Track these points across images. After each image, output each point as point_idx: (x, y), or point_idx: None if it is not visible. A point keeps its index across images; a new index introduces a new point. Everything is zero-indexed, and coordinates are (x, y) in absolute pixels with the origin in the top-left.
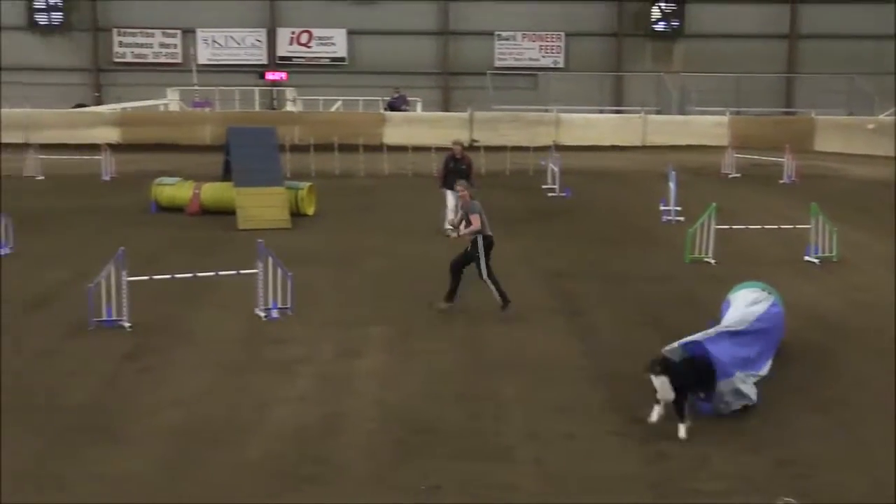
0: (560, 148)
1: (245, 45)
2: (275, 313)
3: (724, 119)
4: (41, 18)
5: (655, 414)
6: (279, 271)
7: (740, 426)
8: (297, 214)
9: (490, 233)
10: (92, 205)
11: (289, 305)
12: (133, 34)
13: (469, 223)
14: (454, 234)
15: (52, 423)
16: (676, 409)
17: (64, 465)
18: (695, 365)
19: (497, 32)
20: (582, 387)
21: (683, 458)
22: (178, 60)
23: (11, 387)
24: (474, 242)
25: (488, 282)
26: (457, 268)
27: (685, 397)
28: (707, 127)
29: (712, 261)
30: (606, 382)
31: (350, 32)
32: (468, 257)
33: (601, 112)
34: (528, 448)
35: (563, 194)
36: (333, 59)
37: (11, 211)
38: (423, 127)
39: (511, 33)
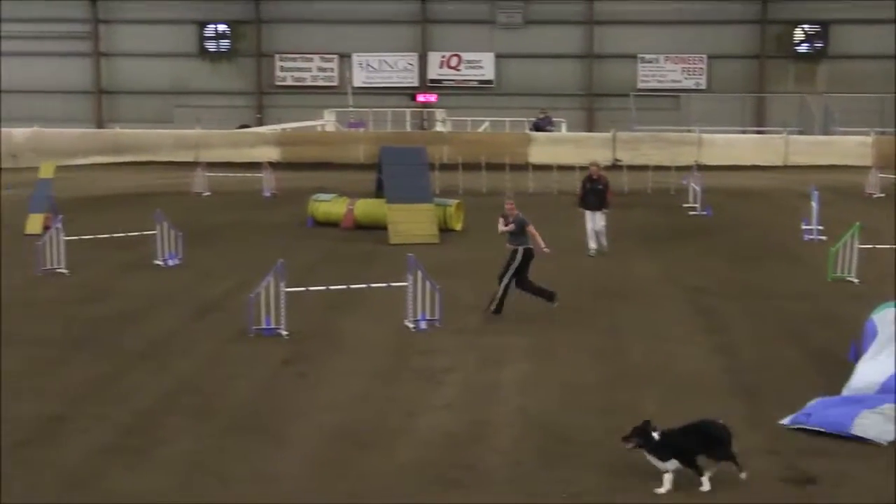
0: (702, 167)
1: (398, 68)
2: (423, 324)
3: (868, 139)
4: (211, 46)
5: (666, 484)
6: (428, 284)
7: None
8: (445, 230)
9: (531, 246)
10: (253, 219)
11: (437, 317)
12: (293, 59)
13: (524, 234)
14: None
15: (216, 421)
16: (691, 469)
17: (226, 463)
18: (701, 430)
19: (640, 55)
20: (722, 402)
21: (826, 478)
22: (335, 83)
23: (182, 387)
24: (514, 252)
25: (500, 287)
26: (519, 281)
27: (691, 462)
28: (850, 147)
29: (855, 280)
30: (747, 398)
31: (498, 56)
32: (512, 265)
33: (743, 132)
34: None
35: (705, 213)
36: (481, 82)
37: (180, 225)
38: (567, 147)
39: (654, 56)
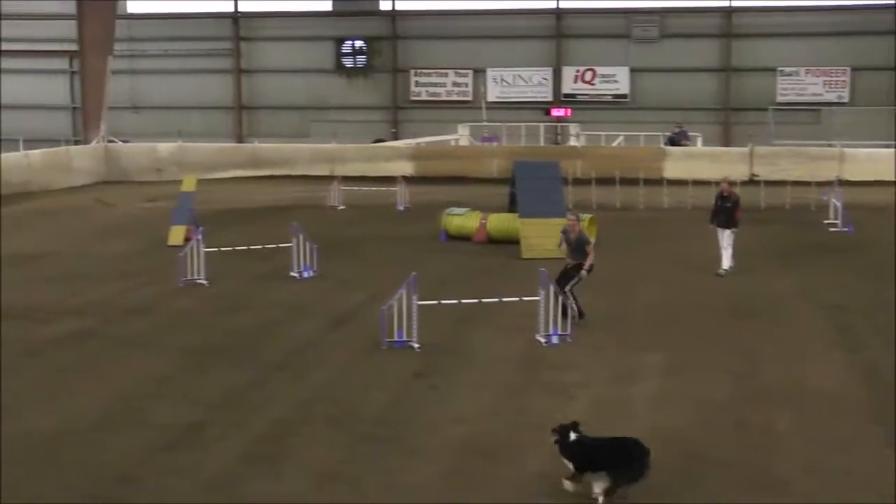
0: (843, 182)
1: (532, 83)
2: (554, 339)
3: None
4: (347, 62)
5: (566, 485)
6: (559, 299)
7: None
8: None
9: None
10: (387, 232)
11: (568, 332)
12: (428, 74)
13: (582, 252)
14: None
15: (350, 431)
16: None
17: (360, 471)
18: (617, 447)
19: (780, 68)
20: (861, 422)
21: None
22: (469, 98)
23: (316, 397)
24: (578, 267)
25: (569, 295)
26: (563, 286)
27: (583, 471)
28: None
29: None
30: (887, 418)
31: (633, 70)
32: (568, 276)
33: (887, 146)
34: (806, 482)
35: (846, 229)
36: (616, 96)
37: (316, 237)
38: (703, 161)
39: (794, 69)
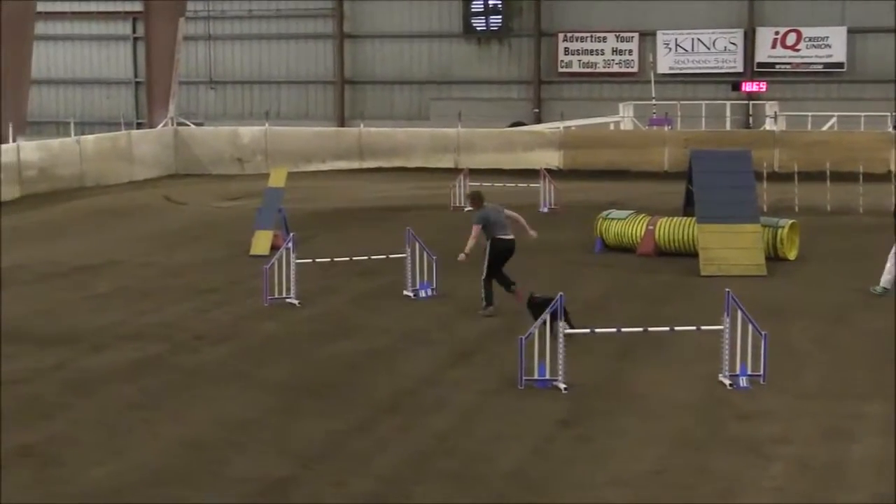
0: None
1: (716, 49)
2: (743, 381)
3: None
4: (478, 23)
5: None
6: (749, 329)
7: None
8: (773, 258)
9: (501, 236)
10: (526, 241)
11: (761, 372)
12: (581, 39)
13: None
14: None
15: (477, 493)
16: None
17: None
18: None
19: None
20: None
21: None
22: (633, 69)
23: (435, 448)
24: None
25: (481, 284)
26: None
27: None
28: None
29: None
30: None
31: (851, 31)
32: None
33: None
34: None
35: None
36: (828, 65)
37: (436, 247)
38: None
39: None
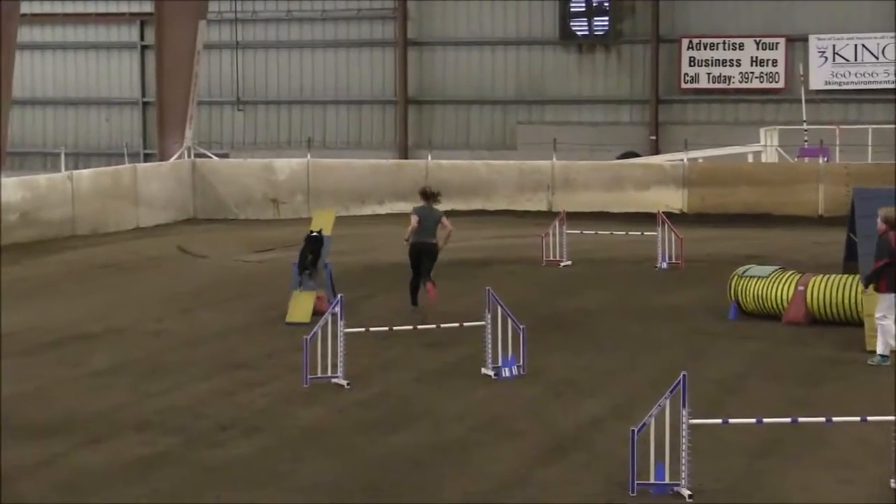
0: None
1: (886, 58)
2: None
3: None
4: (579, 26)
5: None
6: None
7: None
8: None
9: (416, 240)
10: (640, 303)
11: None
12: (712, 46)
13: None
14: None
15: None
16: None
17: None
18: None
19: None
20: None
21: None
22: (779, 85)
23: None
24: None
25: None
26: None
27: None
28: None
29: None
30: None
31: None
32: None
33: None
34: None
35: None
36: None
37: (525, 312)
38: None
39: None
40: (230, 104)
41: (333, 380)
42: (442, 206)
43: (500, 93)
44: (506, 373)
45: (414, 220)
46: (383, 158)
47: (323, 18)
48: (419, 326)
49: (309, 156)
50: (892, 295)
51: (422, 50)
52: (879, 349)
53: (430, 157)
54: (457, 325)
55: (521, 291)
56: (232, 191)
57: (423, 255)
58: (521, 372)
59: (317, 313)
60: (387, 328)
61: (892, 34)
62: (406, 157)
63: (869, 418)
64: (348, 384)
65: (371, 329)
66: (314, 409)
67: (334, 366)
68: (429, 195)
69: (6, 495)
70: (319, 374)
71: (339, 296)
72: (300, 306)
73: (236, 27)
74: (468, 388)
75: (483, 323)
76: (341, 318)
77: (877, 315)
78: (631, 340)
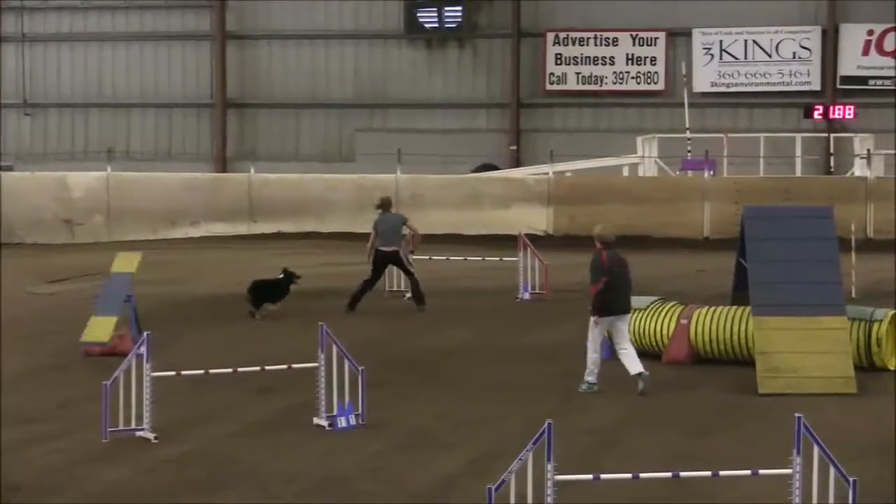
0: None
1: (780, 56)
2: None
3: None
4: (427, 19)
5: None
6: (832, 473)
7: None
8: (866, 368)
9: (380, 248)
10: (500, 341)
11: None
12: (582, 42)
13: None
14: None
15: None
16: None
17: None
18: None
19: None
20: None
21: None
22: (658, 86)
23: None
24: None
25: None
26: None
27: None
28: None
29: None
30: None
31: None
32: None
33: None
34: None
35: None
36: None
37: (365, 352)
38: None
39: None
40: (15, 107)
41: (138, 433)
42: (263, 228)
43: (336, 95)
44: (342, 423)
45: (371, 235)
46: (198, 172)
47: (126, 7)
48: (240, 369)
49: (109, 169)
50: (607, 319)
51: (243, 45)
52: (588, 377)
53: (252, 171)
54: (285, 367)
55: (361, 328)
56: (18, 210)
57: (387, 262)
58: (360, 422)
59: (119, 353)
60: (202, 371)
61: (788, 29)
62: (225, 171)
63: (761, 471)
64: (156, 438)
65: (183, 372)
66: (117, 468)
67: (139, 417)
68: (385, 203)
69: None
70: (122, 427)
71: (144, 334)
72: (98, 328)
73: (22, 17)
74: (299, 442)
75: (317, 364)
76: (147, 360)
77: (589, 339)
78: (491, 385)
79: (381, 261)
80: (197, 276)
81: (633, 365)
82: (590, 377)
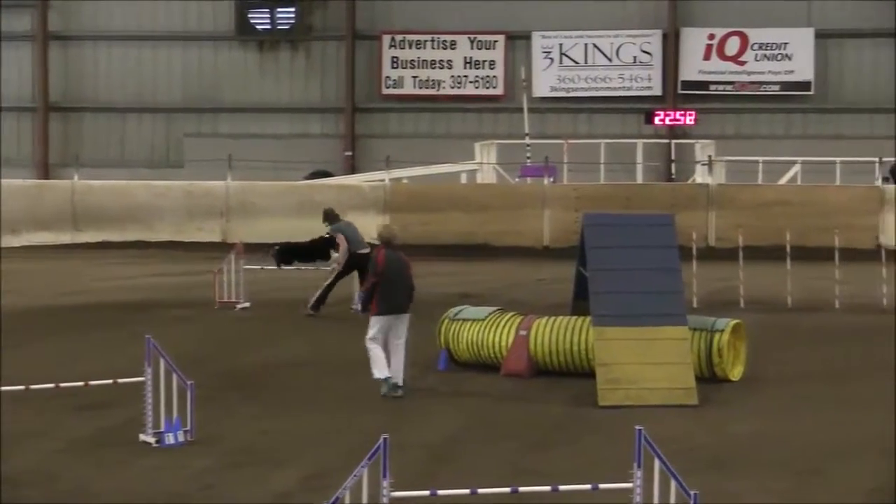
0: None
1: (621, 60)
2: None
3: None
4: (259, 21)
5: None
6: (672, 486)
7: None
8: (708, 379)
9: (355, 251)
10: (336, 354)
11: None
12: (419, 45)
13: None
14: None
15: None
16: None
17: None
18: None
19: None
20: None
21: None
22: (497, 91)
23: None
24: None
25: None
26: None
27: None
28: None
29: None
30: None
31: (822, 35)
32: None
33: None
34: None
35: None
36: (788, 86)
37: (193, 366)
38: None
39: None
40: None
41: None
42: (91, 236)
43: (164, 98)
44: (170, 439)
45: (342, 240)
46: (17, 178)
47: None
48: (62, 384)
49: None
50: (384, 318)
51: (67, 45)
52: (377, 374)
53: (76, 177)
54: (109, 381)
55: (192, 341)
56: None
57: (362, 265)
58: (189, 438)
59: None
60: (22, 387)
61: (628, 33)
62: (47, 177)
63: (602, 486)
64: None
65: (3, 388)
66: None
67: None
68: (332, 213)
69: None
70: None
71: None
72: None
73: None
74: (125, 460)
75: (143, 379)
76: None
77: (367, 337)
78: (327, 399)
79: (357, 263)
80: (16, 288)
81: (396, 374)
82: (381, 374)
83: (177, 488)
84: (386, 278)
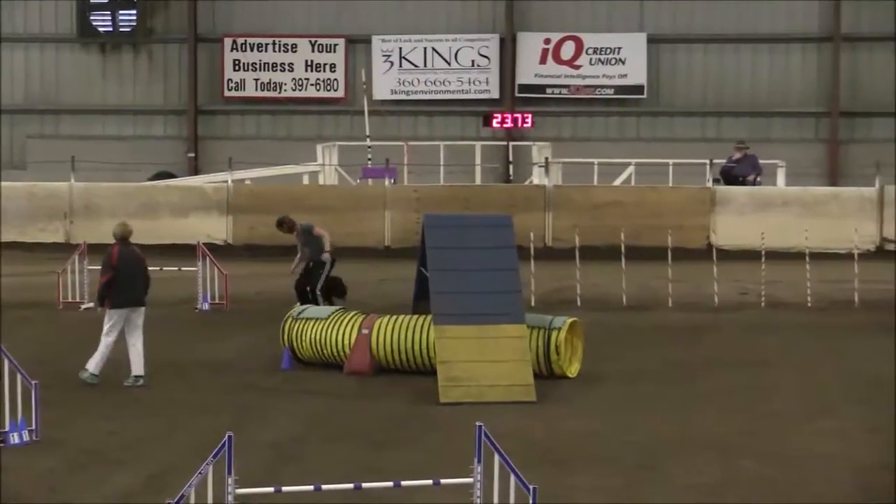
0: None
1: (459, 64)
2: None
3: None
4: (101, 22)
5: None
6: (512, 481)
7: None
8: (546, 376)
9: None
10: (179, 355)
11: None
12: (260, 47)
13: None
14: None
15: None
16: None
17: None
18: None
19: None
20: None
21: None
22: (338, 94)
23: None
24: (320, 263)
25: (321, 296)
26: (301, 289)
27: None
28: None
29: None
30: None
31: (653, 40)
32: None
33: None
34: None
35: None
36: (621, 90)
37: (37, 368)
38: (790, 214)
39: None
40: None
41: None
42: None
43: (6, 100)
44: (14, 439)
45: (320, 230)
46: None
47: None
48: None
49: None
50: (120, 311)
51: None
52: (92, 367)
53: None
54: None
55: (36, 342)
56: None
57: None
58: (34, 438)
59: None
60: None
61: (466, 37)
62: None
63: (443, 481)
64: None
65: None
66: None
67: None
68: (289, 220)
69: None
70: None
71: None
72: None
73: None
74: None
75: None
76: None
77: (103, 332)
78: (169, 400)
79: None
80: None
81: (136, 365)
82: (93, 367)
83: (20, 488)
84: (121, 273)
